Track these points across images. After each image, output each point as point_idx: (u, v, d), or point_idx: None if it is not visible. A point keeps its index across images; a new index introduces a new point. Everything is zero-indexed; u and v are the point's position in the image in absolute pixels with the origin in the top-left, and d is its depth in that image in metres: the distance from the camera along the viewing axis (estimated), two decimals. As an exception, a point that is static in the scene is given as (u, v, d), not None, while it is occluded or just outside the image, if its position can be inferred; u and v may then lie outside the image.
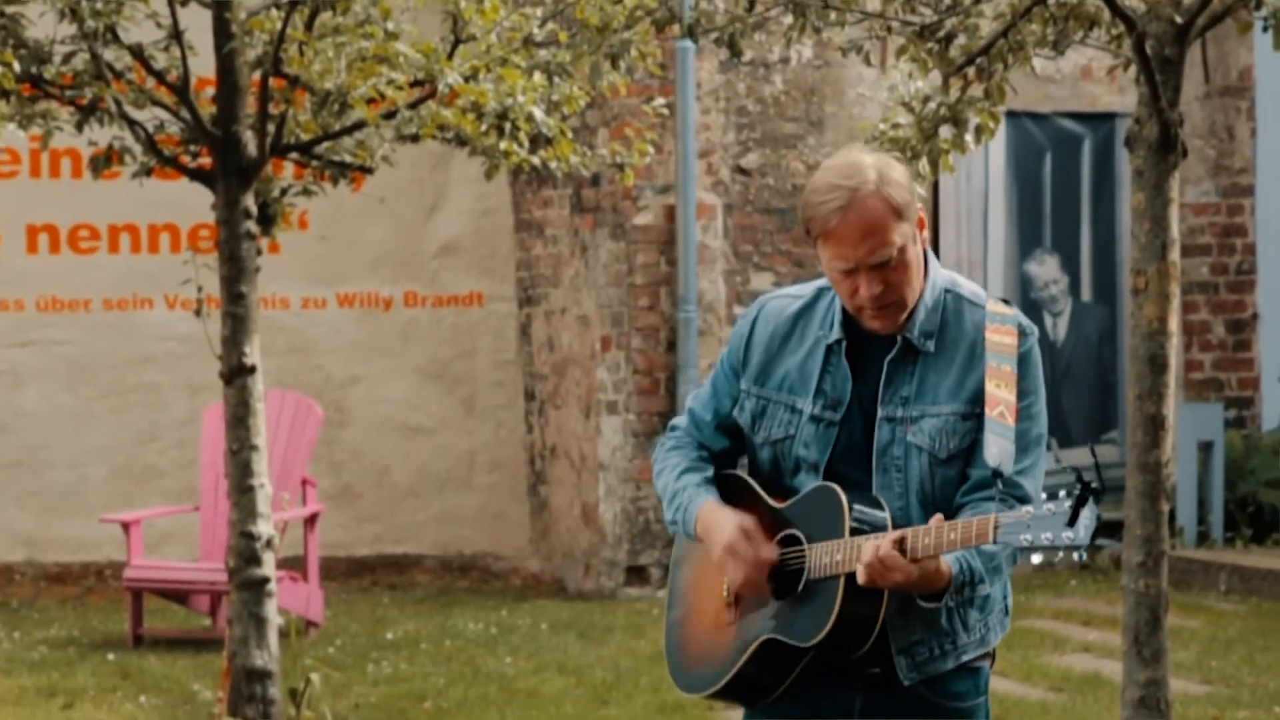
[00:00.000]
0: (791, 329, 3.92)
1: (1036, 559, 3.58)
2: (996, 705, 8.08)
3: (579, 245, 11.71)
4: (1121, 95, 11.79)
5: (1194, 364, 12.33)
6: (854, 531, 3.72)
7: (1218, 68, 12.28)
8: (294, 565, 10.31)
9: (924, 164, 6.81)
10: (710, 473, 3.98)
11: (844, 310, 3.86)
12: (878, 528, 3.73)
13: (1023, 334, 3.83)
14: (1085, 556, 3.57)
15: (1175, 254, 6.30)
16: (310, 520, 10.19)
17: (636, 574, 11.30)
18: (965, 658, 3.86)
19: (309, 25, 7.48)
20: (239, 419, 7.72)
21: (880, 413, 3.82)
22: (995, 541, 3.58)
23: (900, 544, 3.64)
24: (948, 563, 3.68)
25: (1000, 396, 3.76)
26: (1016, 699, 8.29)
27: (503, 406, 12.38)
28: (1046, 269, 12.06)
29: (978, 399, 3.79)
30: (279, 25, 7.41)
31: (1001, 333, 3.81)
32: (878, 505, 3.77)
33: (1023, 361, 3.82)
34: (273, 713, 7.61)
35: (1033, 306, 11.94)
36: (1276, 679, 8.61)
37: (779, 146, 11.63)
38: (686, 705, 8.04)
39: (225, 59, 7.60)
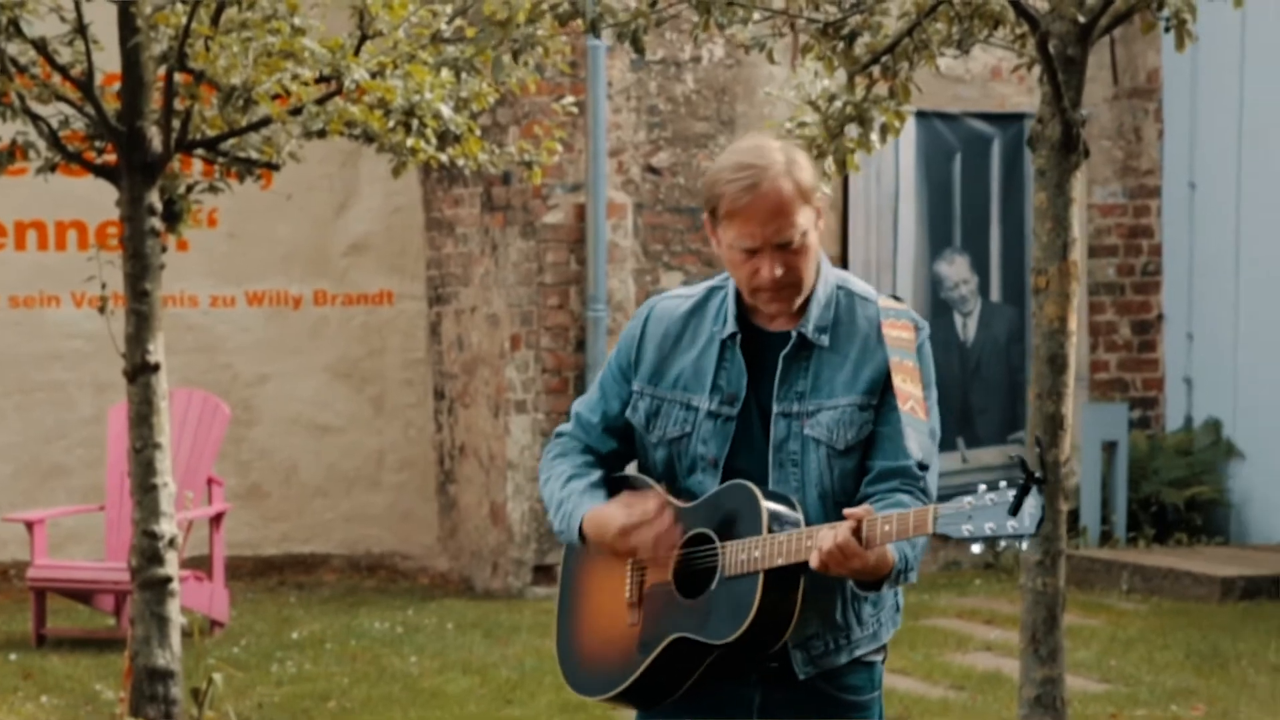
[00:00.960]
0: (684, 328, 3.92)
1: (977, 549, 3.56)
2: (898, 703, 8.14)
3: (489, 244, 11.69)
4: (1030, 96, 11.86)
5: (1100, 364, 12.42)
6: (771, 528, 3.71)
7: (1126, 69, 12.37)
8: (200, 565, 10.25)
9: (830, 163, 6.83)
10: (597, 476, 3.95)
11: (738, 305, 3.87)
12: (792, 523, 3.73)
13: (917, 328, 3.86)
14: (1027, 546, 3.53)
15: (1076, 253, 6.34)
16: (216, 519, 10.13)
17: (544, 573, 11.29)
18: (859, 652, 3.87)
19: (215, 20, 7.44)
20: (142, 417, 7.67)
21: (776, 408, 3.82)
22: (935, 532, 3.57)
23: (857, 532, 3.62)
24: (890, 552, 3.68)
25: (909, 391, 3.77)
26: (918, 697, 8.32)
27: (412, 405, 12.34)
28: (956, 269, 12.11)
29: (874, 390, 3.80)
30: (184, 20, 7.37)
31: (898, 327, 3.83)
32: (789, 503, 3.77)
33: (920, 355, 3.84)
34: (175, 713, 7.57)
35: (942, 306, 12.00)
36: (1174, 677, 8.67)
37: (690, 145, 11.65)
38: (590, 705, 8.02)
39: (130, 54, 7.55)
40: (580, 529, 3.89)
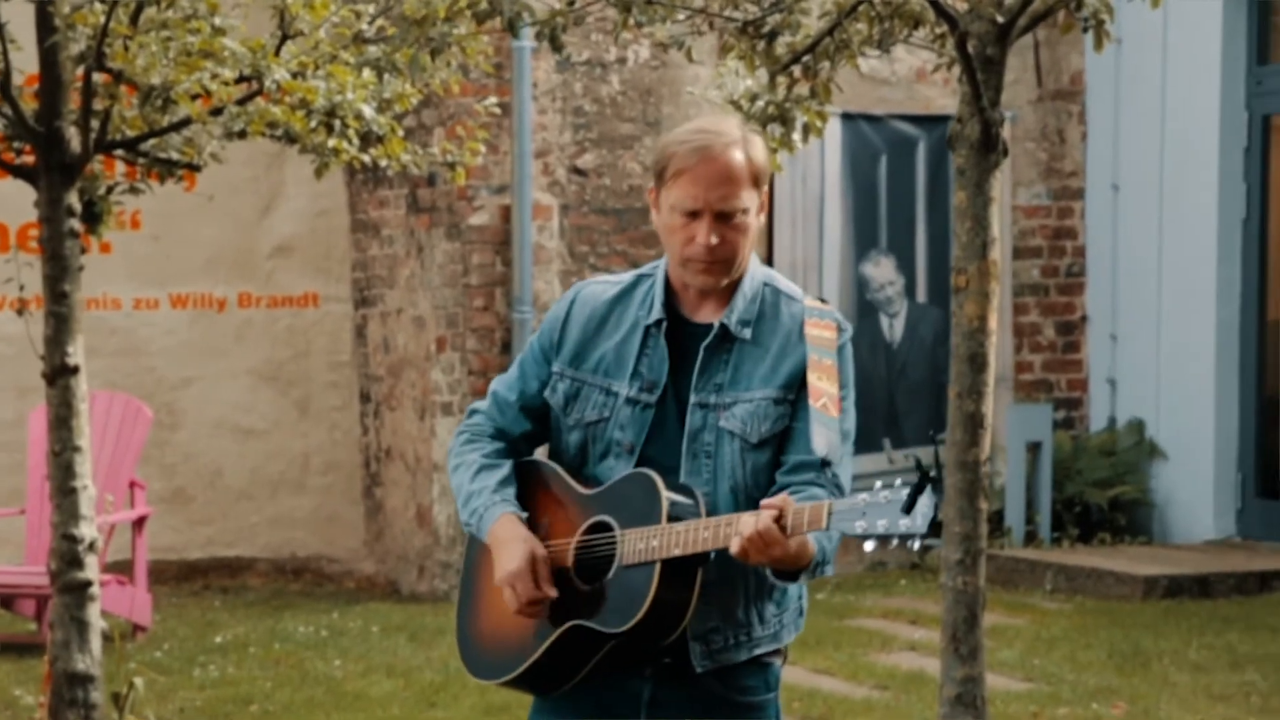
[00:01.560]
0: (609, 312, 3.92)
1: (869, 546, 3.53)
2: (821, 703, 8.15)
3: (415, 245, 11.66)
4: (955, 97, 11.86)
5: (1024, 365, 12.47)
6: (671, 518, 3.70)
7: (1050, 72, 12.43)
8: (123, 569, 10.18)
9: (751, 163, 6.83)
10: (508, 469, 3.94)
11: (665, 292, 3.87)
12: (692, 513, 3.72)
13: (840, 329, 3.86)
14: (919, 545, 3.53)
15: (996, 253, 6.36)
16: (138, 523, 10.06)
17: (470, 575, 11.25)
18: (758, 651, 3.86)
19: (133, 20, 7.38)
20: (61, 420, 7.60)
21: (693, 398, 3.82)
22: (828, 528, 3.56)
23: (779, 520, 3.61)
24: (811, 543, 3.68)
25: (823, 389, 3.77)
26: (841, 697, 8.33)
27: (337, 408, 12.29)
28: (882, 270, 12.14)
29: (791, 385, 3.81)
30: (103, 19, 7.31)
31: (820, 326, 3.84)
32: (691, 495, 3.76)
33: (840, 355, 3.84)
34: (95, 718, 7.50)
35: (868, 308, 12.03)
36: (1096, 676, 8.71)
37: (616, 147, 11.64)
38: (513, 706, 8.01)
39: (48, 53, 7.48)
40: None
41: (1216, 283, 11.75)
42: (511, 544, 3.82)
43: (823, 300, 3.93)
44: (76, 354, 7.61)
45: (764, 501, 3.65)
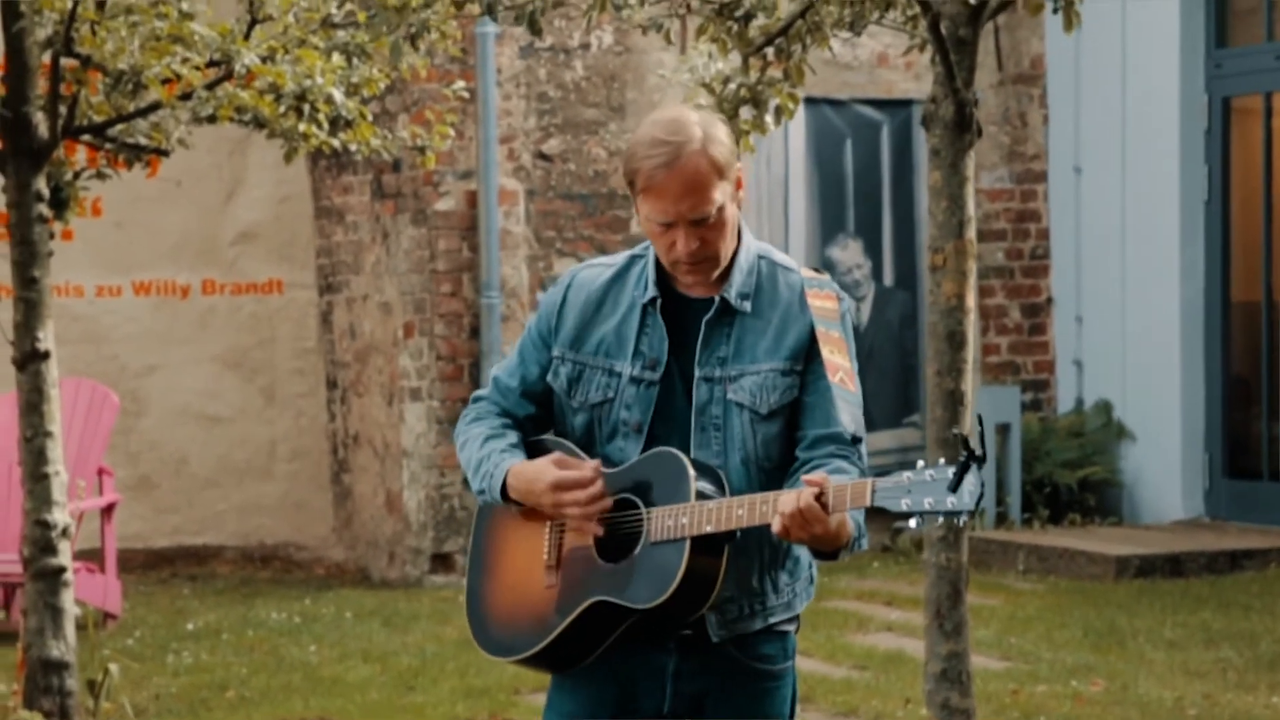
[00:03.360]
0: (605, 295, 3.93)
1: (913, 524, 3.55)
2: (802, 683, 8.12)
3: (380, 231, 11.63)
4: (917, 82, 11.93)
5: (991, 347, 12.51)
6: (699, 496, 3.71)
7: (1010, 55, 12.46)
8: (91, 556, 10.14)
9: (725, 144, 6.83)
10: (516, 438, 3.94)
11: (658, 271, 3.88)
12: (719, 492, 3.73)
13: (839, 298, 3.88)
14: (964, 522, 3.55)
15: (972, 232, 6.38)
16: (107, 510, 10.02)
17: (441, 561, 11.25)
18: (772, 620, 3.88)
19: (101, 4, 7.35)
20: (32, 405, 7.57)
21: (698, 373, 3.83)
22: (873, 505, 3.57)
23: (820, 497, 3.61)
24: (849, 520, 3.68)
25: (837, 363, 3.79)
26: (821, 677, 8.35)
27: (304, 395, 12.26)
28: (849, 254, 12.16)
29: (797, 356, 3.82)
30: (70, 4, 7.27)
31: (821, 297, 3.86)
32: (715, 474, 3.77)
33: (843, 325, 3.86)
34: (70, 705, 7.47)
35: (834, 292, 12.03)
36: (1073, 654, 8.75)
37: (580, 132, 11.63)
38: (493, 689, 8.00)
39: (14, 39, 7.44)
40: (504, 485, 3.86)
41: (1180, 264, 11.81)
42: (532, 470, 3.83)
43: (818, 270, 3.94)
44: (47, 339, 7.57)
45: (805, 478, 3.65)
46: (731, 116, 6.82)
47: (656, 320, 3.87)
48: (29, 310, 7.56)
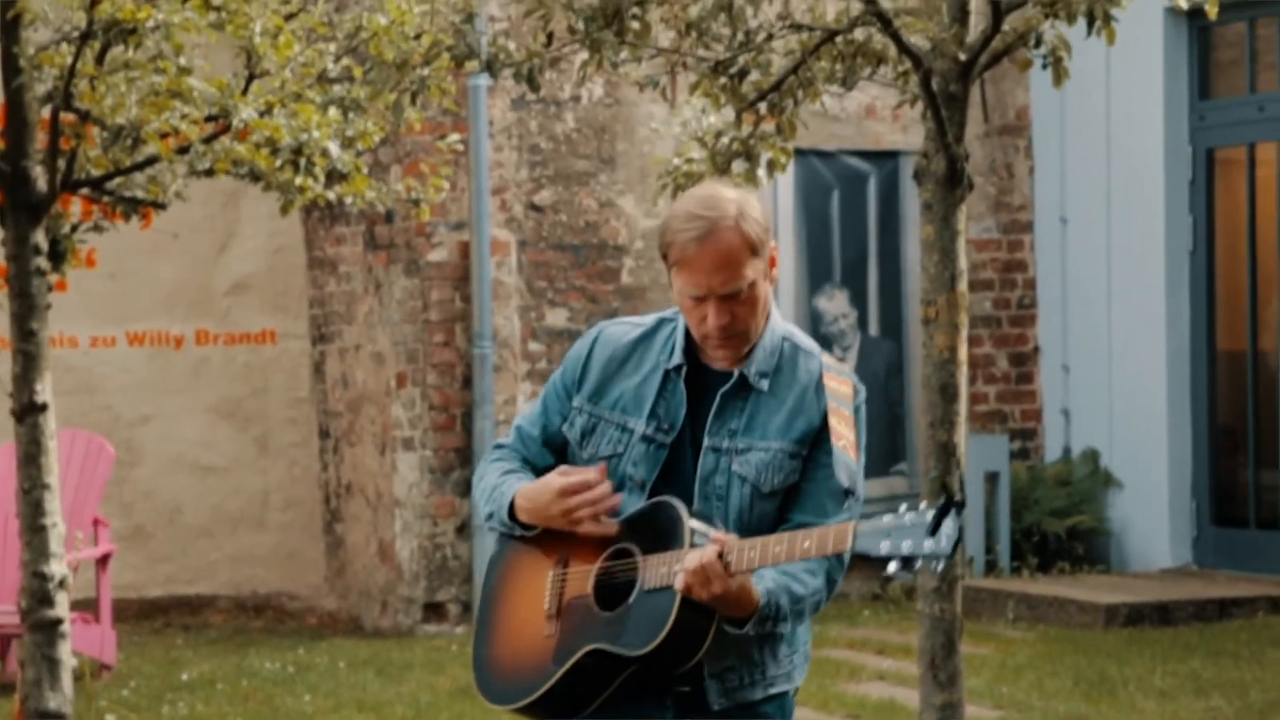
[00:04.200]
0: (630, 354, 4.01)
1: (893, 568, 3.60)
2: (794, 732, 8.20)
3: (373, 282, 11.70)
4: (904, 134, 12.03)
5: (979, 396, 12.58)
6: (693, 544, 3.77)
7: (996, 107, 12.56)
8: (86, 607, 10.16)
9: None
10: (532, 476, 4.02)
11: (686, 339, 3.95)
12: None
13: (856, 389, 3.97)
14: (942, 567, 3.61)
15: (964, 285, 6.45)
16: (103, 560, 10.05)
17: (434, 610, 11.28)
18: (772, 690, 3.95)
19: (100, 60, 7.41)
20: (30, 457, 7.60)
21: (707, 442, 3.90)
22: (853, 549, 3.63)
23: (721, 555, 3.68)
24: (758, 592, 3.75)
25: (843, 432, 3.86)
26: (813, 726, 8.40)
27: (296, 444, 12.30)
28: (836, 304, 12.24)
29: (805, 440, 3.90)
30: (69, 60, 7.34)
31: (839, 382, 3.94)
32: (714, 524, 3.83)
33: (857, 413, 3.94)
34: (67, 755, 7.49)
35: (823, 341, 12.10)
36: (1065, 702, 8.80)
37: (571, 183, 11.71)
38: (487, 738, 8.04)
39: (14, 94, 7.49)
40: (512, 507, 3.94)
41: (1166, 313, 11.89)
42: (537, 486, 3.92)
43: (840, 359, 4.02)
44: (45, 391, 7.61)
45: (712, 535, 3.73)
46: (724, 170, 6.90)
47: (678, 386, 3.94)
48: (27, 362, 7.60)
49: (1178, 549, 11.88)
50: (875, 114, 12.17)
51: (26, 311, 7.62)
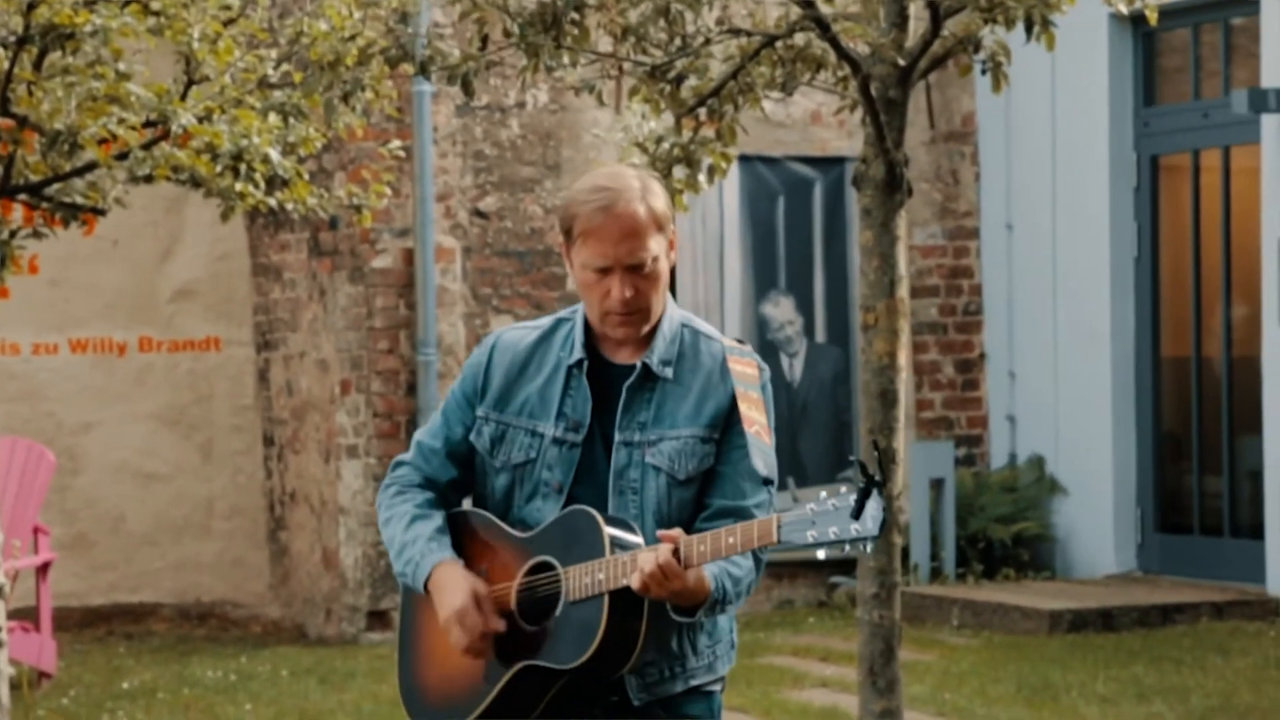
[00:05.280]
0: (530, 356, 3.97)
1: (822, 555, 3.59)
2: (735, 739, 8.19)
3: (317, 289, 11.65)
4: (851, 140, 12.03)
5: (925, 403, 12.59)
6: (614, 549, 3.75)
7: (941, 114, 12.58)
8: (26, 615, 10.09)
9: (658, 204, 6.89)
10: (441, 520, 3.97)
11: (585, 334, 3.92)
12: (634, 548, 3.76)
13: (760, 368, 3.94)
14: (871, 549, 3.61)
15: (904, 290, 6.46)
16: (43, 569, 9.99)
17: (378, 619, 11.24)
18: (694, 682, 3.92)
19: (37, 65, 7.37)
20: (-33, 466, 7.57)
21: (618, 437, 3.88)
22: (780, 541, 3.62)
23: (676, 552, 3.67)
24: (708, 578, 3.74)
25: (754, 417, 3.85)
26: (756, 733, 8.39)
27: (241, 452, 12.25)
28: (782, 310, 12.24)
29: (715, 424, 3.88)
30: (6, 65, 7.29)
31: (743, 364, 3.92)
32: (629, 527, 3.82)
33: (764, 391, 3.92)
34: (4, 766, 7.44)
35: (769, 348, 12.11)
36: (1007, 710, 8.80)
37: (516, 190, 11.69)
38: (428, 747, 7.98)
39: (-49, 99, 7.45)
40: (426, 582, 3.89)
41: (1110, 320, 11.92)
42: (452, 585, 3.85)
43: (739, 340, 4.00)
44: (-17, 400, 7.58)
45: (660, 533, 3.71)
46: (665, 175, 6.89)
47: (581, 383, 3.91)
48: (-36, 369, 7.56)
49: (1122, 555, 11.90)
50: (820, 120, 12.18)
51: (-37, 318, 7.58)
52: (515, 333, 4.03)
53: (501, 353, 3.99)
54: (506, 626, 3.84)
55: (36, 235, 8.01)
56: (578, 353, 3.92)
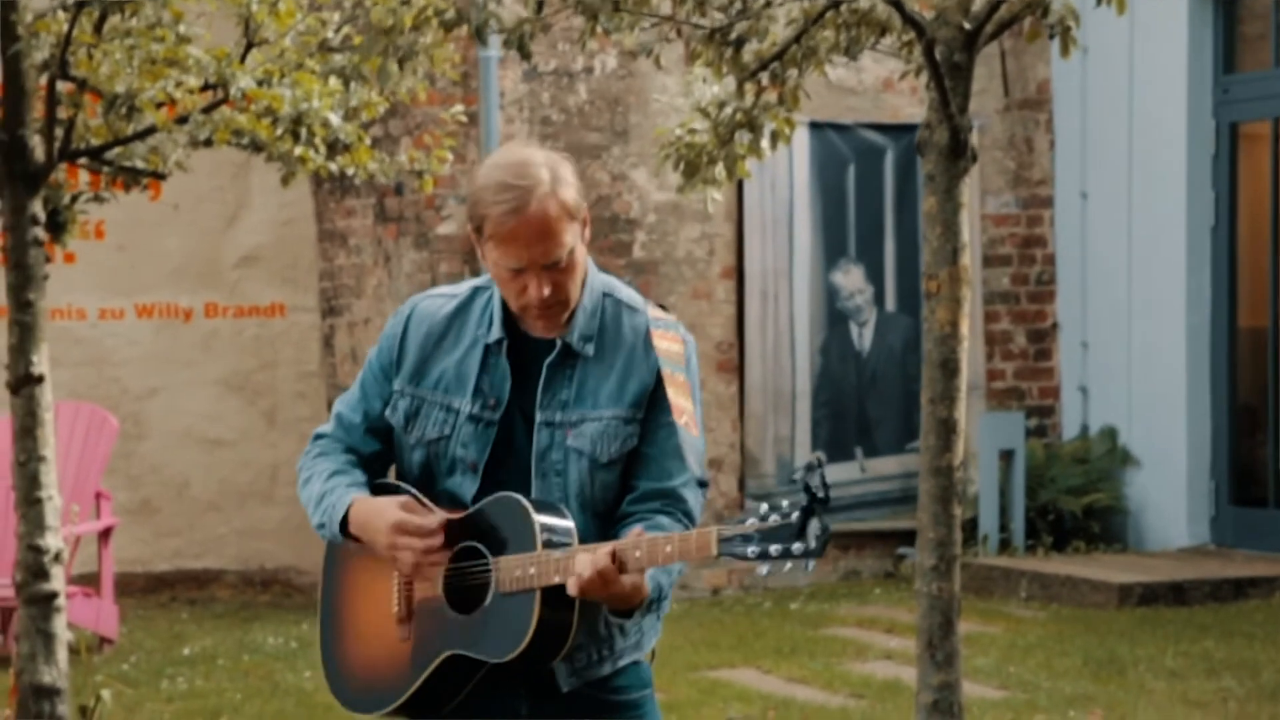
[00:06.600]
0: (447, 329, 3.85)
1: (764, 570, 3.51)
2: (797, 712, 8.11)
3: (382, 255, 11.61)
4: (923, 106, 11.85)
5: (996, 373, 12.45)
6: (546, 544, 3.65)
7: (1016, 81, 12.43)
8: (89, 581, 10.11)
9: (720, 169, 6.81)
10: (363, 478, 3.85)
11: (504, 309, 3.81)
12: (566, 537, 3.67)
13: (684, 340, 3.83)
14: (812, 566, 3.52)
15: (967, 258, 6.34)
16: (105, 534, 9.99)
17: (440, 586, 11.21)
18: (622, 662, 3.84)
19: (98, 28, 7.33)
20: (26, 430, 7.54)
21: (539, 417, 3.77)
22: (718, 555, 3.52)
23: (614, 556, 3.58)
24: (645, 580, 3.64)
25: (682, 405, 3.74)
26: (818, 706, 8.30)
27: (305, 419, 12.22)
28: (852, 279, 12.13)
29: (639, 404, 3.77)
30: (66, 28, 7.26)
31: (667, 339, 3.80)
32: (560, 514, 3.71)
33: (689, 369, 3.81)
34: (61, 730, 7.44)
35: (839, 316, 12.00)
36: (1072, 683, 8.69)
37: (583, 156, 11.60)
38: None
39: (10, 62, 7.42)
40: (345, 520, 3.77)
41: (1186, 290, 11.76)
42: (375, 508, 3.73)
43: (663, 307, 3.88)
44: (41, 363, 7.54)
45: (627, 532, 3.62)
46: (727, 141, 6.79)
47: (500, 360, 3.79)
48: (23, 333, 7.53)
49: (1195, 528, 11.75)
50: (893, 87, 12.05)
51: (23, 282, 7.55)
52: (432, 301, 3.88)
53: (417, 324, 3.85)
54: (441, 539, 3.70)
55: (98, 199, 7.99)
56: (496, 331, 3.79)
